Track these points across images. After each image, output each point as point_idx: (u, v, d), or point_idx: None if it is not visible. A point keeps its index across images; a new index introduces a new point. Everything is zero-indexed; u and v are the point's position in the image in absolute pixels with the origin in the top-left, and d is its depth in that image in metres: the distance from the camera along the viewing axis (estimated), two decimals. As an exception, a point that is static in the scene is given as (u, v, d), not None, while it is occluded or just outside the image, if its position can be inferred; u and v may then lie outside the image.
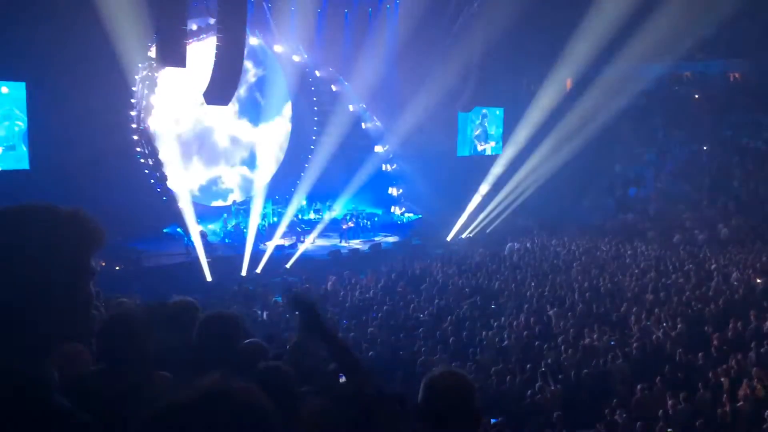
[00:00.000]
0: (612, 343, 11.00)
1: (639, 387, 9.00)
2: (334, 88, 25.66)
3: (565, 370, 9.88)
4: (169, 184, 19.61)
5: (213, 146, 23.77)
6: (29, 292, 1.33)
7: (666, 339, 11.05)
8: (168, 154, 20.33)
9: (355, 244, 22.57)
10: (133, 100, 18.65)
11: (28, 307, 1.34)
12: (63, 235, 1.39)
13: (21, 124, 17.84)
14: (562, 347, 10.68)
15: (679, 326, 11.52)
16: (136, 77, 18.49)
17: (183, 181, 20.91)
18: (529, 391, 9.10)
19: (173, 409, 1.16)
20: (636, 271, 16.77)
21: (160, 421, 1.16)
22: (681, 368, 9.84)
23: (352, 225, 23.67)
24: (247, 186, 24.78)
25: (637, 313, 12.54)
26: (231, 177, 24.53)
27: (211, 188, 23.81)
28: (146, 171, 19.12)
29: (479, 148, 31.00)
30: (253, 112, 24.77)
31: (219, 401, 1.16)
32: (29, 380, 1.32)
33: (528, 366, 9.90)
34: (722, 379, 9.17)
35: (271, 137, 25.45)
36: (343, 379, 3.24)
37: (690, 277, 15.67)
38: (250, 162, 25.00)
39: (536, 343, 11.03)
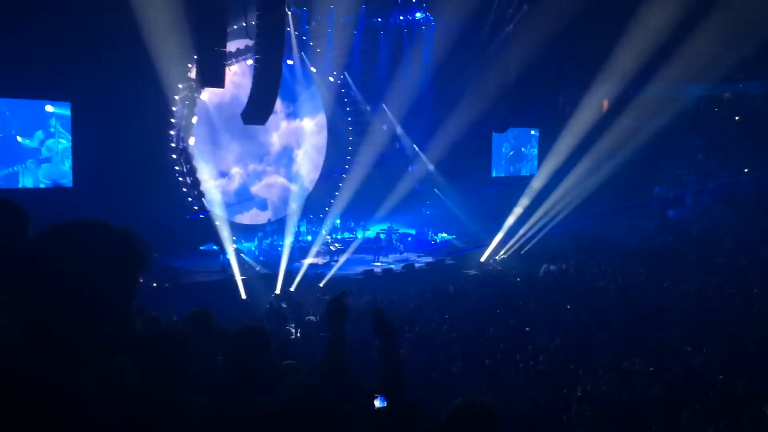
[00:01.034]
0: (651, 368, 10.74)
1: (679, 414, 8.76)
2: (369, 108, 25.89)
3: (601, 394, 9.67)
4: (206, 202, 19.93)
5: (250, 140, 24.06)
6: (75, 306, 1.37)
7: (706, 365, 10.76)
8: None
9: (387, 261, 22.55)
10: (173, 120, 19.06)
11: (72, 321, 1.38)
12: (113, 253, 1.43)
13: (64, 141, 18.40)
14: (599, 371, 10.47)
15: (720, 352, 11.22)
16: (176, 97, 18.92)
17: (218, 187, 21.33)
18: (564, 416, 8.93)
19: (266, 413, 1.22)
20: (675, 294, 16.41)
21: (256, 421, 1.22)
22: (722, 395, 9.56)
23: (383, 245, 23.64)
24: (283, 195, 24.95)
25: (676, 337, 12.25)
26: (268, 184, 24.71)
27: (247, 193, 23.97)
28: (184, 189, 19.47)
29: (512, 169, 30.92)
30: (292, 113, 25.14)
31: (306, 405, 1.21)
32: (67, 389, 1.35)
33: (563, 390, 9.73)
34: (765, 408, 8.87)
35: (308, 153, 25.73)
36: (377, 403, 3.24)
37: (732, 301, 15.27)
38: (287, 169, 25.27)
39: (571, 366, 10.84)
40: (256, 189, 24.28)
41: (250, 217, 24.03)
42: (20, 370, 1.33)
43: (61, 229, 1.44)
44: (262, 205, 24.43)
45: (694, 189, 28.74)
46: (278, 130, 24.63)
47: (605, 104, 30.43)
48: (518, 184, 28.18)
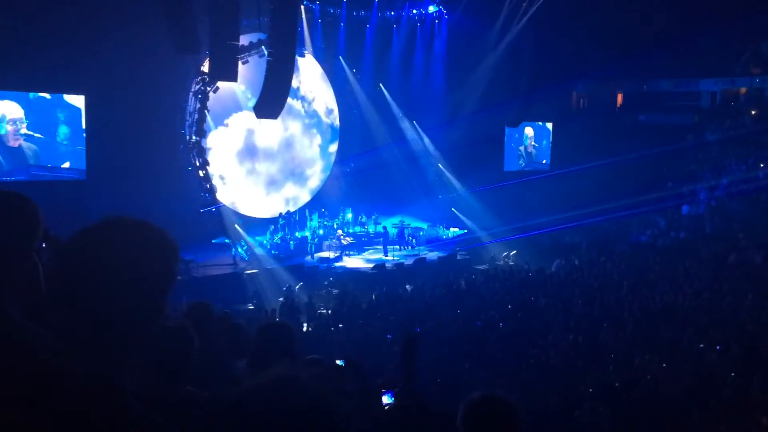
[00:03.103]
0: (663, 365, 10.67)
1: (691, 412, 8.71)
2: (381, 102, 25.87)
3: (613, 391, 9.62)
4: (219, 196, 20.00)
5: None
6: (119, 301, 1.38)
7: (720, 362, 10.68)
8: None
9: (397, 252, 22.55)
10: (186, 114, 19.15)
11: (113, 316, 1.39)
12: (157, 249, 1.46)
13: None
14: (611, 368, 10.43)
15: (733, 349, 11.13)
16: (190, 92, 18.99)
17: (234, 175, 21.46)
18: (576, 412, 8.89)
19: (247, 394, 1.21)
20: (689, 291, 16.28)
21: (234, 404, 1.21)
22: (735, 393, 9.49)
23: (393, 239, 23.61)
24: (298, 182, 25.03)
25: (689, 334, 12.16)
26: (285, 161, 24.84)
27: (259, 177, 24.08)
28: (197, 182, 19.57)
29: (522, 162, 30.76)
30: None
31: (288, 387, 1.21)
32: (110, 386, 1.36)
33: (574, 386, 9.68)
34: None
35: (319, 146, 25.76)
36: (385, 400, 3.23)
37: (746, 298, 15.13)
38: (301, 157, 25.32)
39: (583, 362, 10.79)
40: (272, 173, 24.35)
41: (265, 192, 24.04)
42: (58, 367, 1.33)
43: (106, 226, 1.45)
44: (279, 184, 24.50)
45: (708, 185, 28.45)
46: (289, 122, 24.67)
47: (619, 98, 30.22)
48: (531, 178, 28.06)
